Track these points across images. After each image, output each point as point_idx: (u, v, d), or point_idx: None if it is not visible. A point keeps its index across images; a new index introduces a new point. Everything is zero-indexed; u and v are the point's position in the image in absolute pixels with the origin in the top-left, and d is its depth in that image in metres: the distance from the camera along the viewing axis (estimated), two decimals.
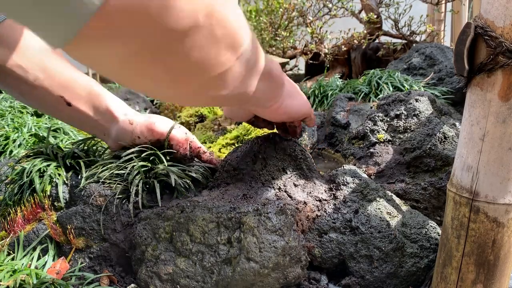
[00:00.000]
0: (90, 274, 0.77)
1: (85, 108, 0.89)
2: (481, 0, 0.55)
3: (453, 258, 0.62)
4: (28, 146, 1.33)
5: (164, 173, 0.86)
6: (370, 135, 1.15)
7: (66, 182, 0.92)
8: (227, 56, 0.32)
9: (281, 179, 0.87)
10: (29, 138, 1.36)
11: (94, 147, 1.09)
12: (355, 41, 2.51)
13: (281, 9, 2.77)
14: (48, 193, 0.90)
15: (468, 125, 0.58)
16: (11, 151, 1.28)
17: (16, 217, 0.88)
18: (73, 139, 1.36)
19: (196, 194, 0.86)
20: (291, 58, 2.70)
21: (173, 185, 0.84)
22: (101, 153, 1.07)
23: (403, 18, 2.47)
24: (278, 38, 2.71)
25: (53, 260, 0.80)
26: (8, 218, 0.88)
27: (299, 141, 1.03)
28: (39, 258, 0.80)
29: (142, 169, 0.86)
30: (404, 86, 1.66)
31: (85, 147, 1.05)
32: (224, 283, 0.69)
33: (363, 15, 2.61)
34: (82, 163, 0.96)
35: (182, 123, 1.86)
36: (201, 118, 1.87)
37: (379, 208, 0.83)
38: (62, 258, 0.80)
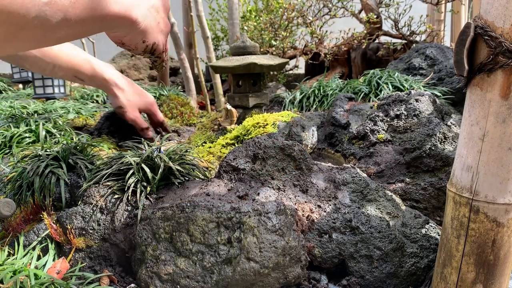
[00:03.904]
0: (90, 274, 0.77)
1: (90, 81, 1.27)
2: (481, 0, 0.55)
3: (453, 258, 0.62)
4: (27, 146, 1.33)
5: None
6: (370, 135, 1.15)
7: (67, 181, 0.92)
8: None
9: (280, 179, 0.87)
10: (28, 138, 1.36)
11: (90, 148, 1.09)
12: (355, 41, 2.51)
13: (280, 9, 2.77)
14: (49, 193, 0.90)
15: (468, 125, 0.58)
16: (11, 150, 1.29)
17: (16, 217, 0.88)
18: (70, 138, 1.36)
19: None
20: (291, 58, 2.70)
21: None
22: (95, 154, 1.07)
23: (403, 18, 2.47)
24: (278, 38, 2.71)
25: (54, 260, 0.80)
26: (8, 218, 0.88)
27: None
28: (39, 258, 0.80)
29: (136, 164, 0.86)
30: (404, 86, 1.66)
31: (80, 147, 1.05)
32: (224, 283, 0.69)
33: (363, 15, 2.61)
34: (80, 163, 0.97)
35: None
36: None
37: (379, 208, 0.84)
38: (62, 258, 0.80)
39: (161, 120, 1.49)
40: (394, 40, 2.61)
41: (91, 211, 0.82)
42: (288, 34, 2.73)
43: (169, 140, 1.69)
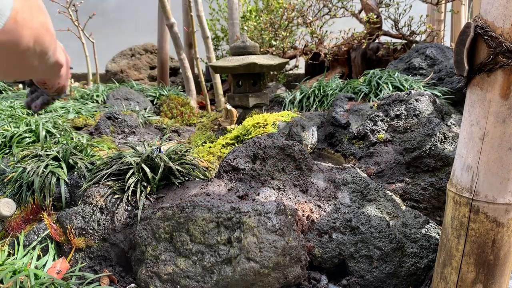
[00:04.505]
0: (90, 274, 0.77)
1: None
2: (481, 0, 0.55)
3: (453, 258, 0.62)
4: (27, 146, 1.33)
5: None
6: (370, 135, 1.15)
7: (67, 181, 0.92)
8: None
9: (280, 179, 0.87)
10: (28, 138, 1.36)
11: (90, 148, 1.09)
12: (355, 41, 2.51)
13: (280, 9, 2.78)
14: (49, 193, 0.90)
15: (468, 125, 0.58)
16: (11, 150, 1.29)
17: (16, 217, 0.88)
18: (70, 138, 1.37)
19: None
20: (291, 58, 2.70)
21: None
22: (94, 154, 1.07)
23: (403, 18, 2.47)
24: (278, 38, 2.71)
25: (54, 260, 0.80)
26: (8, 218, 0.88)
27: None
28: (39, 258, 0.80)
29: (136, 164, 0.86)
30: (404, 86, 1.66)
31: (80, 147, 1.05)
32: (224, 283, 0.69)
33: (363, 15, 2.61)
34: (80, 163, 0.97)
35: None
36: None
37: (379, 208, 0.84)
38: (62, 258, 0.80)
39: None
40: (394, 40, 2.61)
41: (91, 211, 0.82)
42: (288, 34, 2.73)
43: (169, 140, 1.69)
